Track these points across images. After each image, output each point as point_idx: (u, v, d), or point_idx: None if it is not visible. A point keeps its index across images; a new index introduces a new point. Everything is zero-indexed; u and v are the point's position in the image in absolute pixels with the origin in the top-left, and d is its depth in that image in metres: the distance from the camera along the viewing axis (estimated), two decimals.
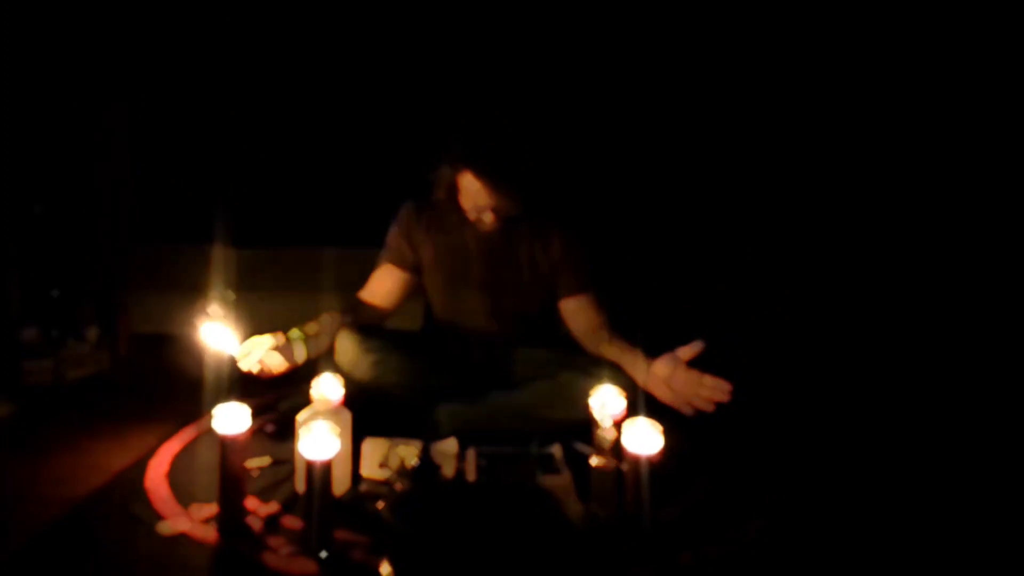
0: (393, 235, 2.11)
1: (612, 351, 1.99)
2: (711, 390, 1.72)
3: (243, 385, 1.77)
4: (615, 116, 3.14)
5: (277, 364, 1.80)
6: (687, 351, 1.78)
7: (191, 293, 2.63)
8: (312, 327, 1.93)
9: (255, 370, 1.78)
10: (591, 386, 1.75)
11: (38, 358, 2.41)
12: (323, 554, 1.33)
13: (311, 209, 3.21)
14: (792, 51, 3.08)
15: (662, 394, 1.81)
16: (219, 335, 1.73)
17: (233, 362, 1.77)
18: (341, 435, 1.44)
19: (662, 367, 1.80)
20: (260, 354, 1.78)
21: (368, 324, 2.08)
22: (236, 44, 3.12)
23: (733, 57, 3.12)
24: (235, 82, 3.11)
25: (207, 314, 1.75)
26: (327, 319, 1.98)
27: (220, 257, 2.73)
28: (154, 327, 3.03)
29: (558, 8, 3.08)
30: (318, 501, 1.33)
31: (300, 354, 1.85)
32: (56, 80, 3.08)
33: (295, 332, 1.87)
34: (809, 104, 3.09)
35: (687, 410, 1.76)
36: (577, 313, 2.08)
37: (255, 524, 1.46)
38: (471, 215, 1.96)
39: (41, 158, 3.00)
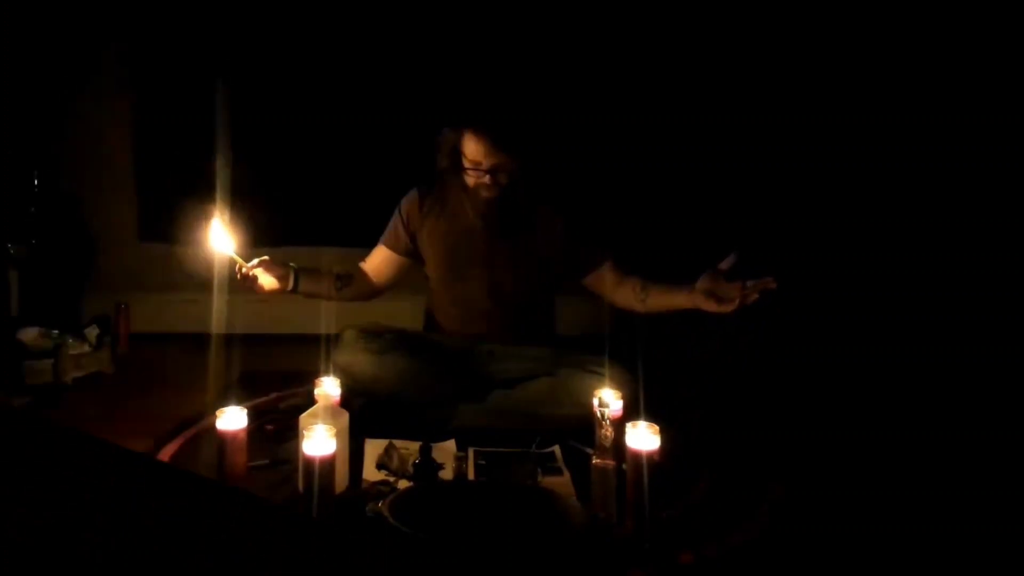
0: (393, 219, 2.18)
1: (655, 294, 2.04)
2: (755, 286, 1.82)
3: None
4: (608, 111, 3.13)
5: (268, 282, 1.92)
6: (724, 263, 1.87)
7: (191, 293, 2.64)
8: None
9: (250, 275, 1.89)
10: (592, 382, 1.76)
11: (38, 358, 2.40)
12: None
13: (311, 209, 3.21)
14: (789, 50, 3.08)
15: (709, 306, 1.88)
16: (221, 238, 1.83)
17: (232, 264, 1.88)
18: (339, 435, 1.44)
19: (704, 283, 1.89)
20: (256, 265, 1.88)
21: (369, 325, 2.10)
22: (236, 44, 3.11)
23: (724, 58, 3.12)
24: (235, 82, 3.10)
25: (214, 218, 1.85)
26: (326, 271, 2.10)
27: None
28: (154, 327, 3.03)
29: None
30: (318, 501, 1.33)
31: (291, 282, 1.98)
32: (56, 79, 3.08)
33: (293, 263, 2.01)
34: (807, 102, 3.08)
35: (736, 307, 1.84)
36: (605, 283, 2.12)
37: None
38: (471, 181, 1.99)
39: (41, 158, 3.00)
